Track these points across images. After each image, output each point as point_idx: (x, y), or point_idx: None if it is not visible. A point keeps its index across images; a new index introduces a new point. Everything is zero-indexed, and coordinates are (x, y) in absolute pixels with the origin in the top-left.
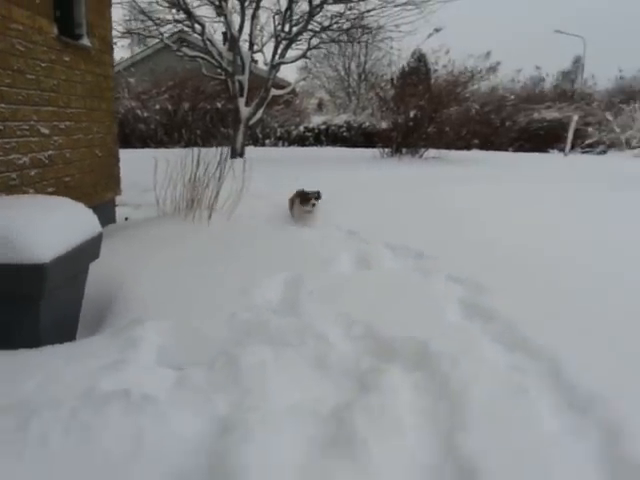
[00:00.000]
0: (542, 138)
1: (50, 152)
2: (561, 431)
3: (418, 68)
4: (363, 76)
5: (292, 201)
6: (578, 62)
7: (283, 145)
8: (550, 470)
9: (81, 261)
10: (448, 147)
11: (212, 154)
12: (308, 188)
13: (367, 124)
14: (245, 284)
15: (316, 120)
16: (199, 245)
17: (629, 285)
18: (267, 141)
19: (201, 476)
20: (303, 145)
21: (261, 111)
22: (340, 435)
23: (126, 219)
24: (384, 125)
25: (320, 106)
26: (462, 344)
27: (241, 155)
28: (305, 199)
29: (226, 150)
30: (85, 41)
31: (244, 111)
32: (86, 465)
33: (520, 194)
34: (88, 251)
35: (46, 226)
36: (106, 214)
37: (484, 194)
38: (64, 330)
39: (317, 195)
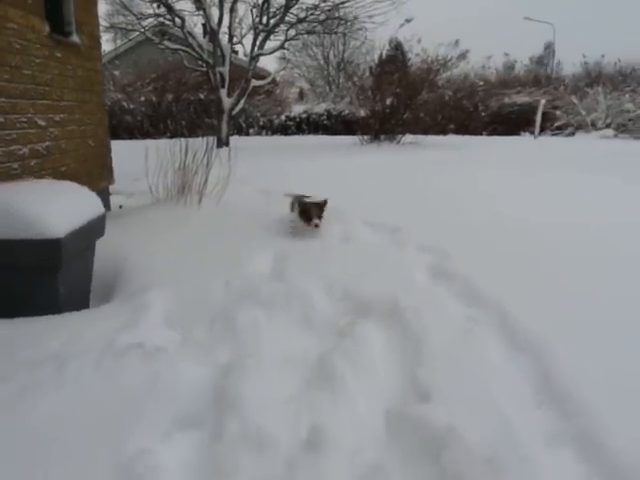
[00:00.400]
0: (514, 121)
1: (47, 143)
2: (504, 364)
3: (395, 56)
4: (342, 65)
5: (292, 206)
6: (549, 48)
7: (266, 134)
8: (492, 393)
9: (90, 237)
10: (425, 132)
11: (199, 144)
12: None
13: (346, 112)
14: (237, 259)
15: (297, 109)
16: (192, 227)
17: (571, 249)
18: (251, 130)
19: (208, 405)
20: (285, 134)
21: (243, 101)
22: (322, 373)
23: (120, 207)
24: (362, 113)
25: (301, 95)
26: (426, 300)
27: (226, 144)
28: (306, 215)
29: (212, 139)
30: (75, 38)
31: (226, 101)
32: (112, 397)
33: (488, 175)
34: (95, 228)
35: (59, 206)
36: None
37: (456, 175)
38: (79, 300)
39: (323, 205)
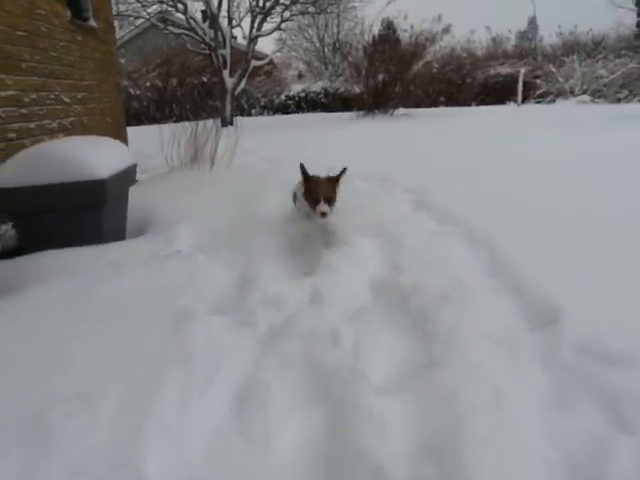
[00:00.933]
0: (500, 92)
1: (72, 119)
2: (465, 254)
3: (388, 35)
4: (337, 45)
5: (295, 196)
6: (533, 23)
7: (268, 114)
8: (453, 268)
9: (125, 183)
10: (417, 105)
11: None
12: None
13: (342, 89)
14: (249, 203)
15: (296, 88)
16: (207, 184)
17: (530, 181)
18: (253, 111)
19: (233, 289)
20: (286, 112)
21: (244, 81)
22: (322, 267)
23: (136, 181)
24: (357, 89)
25: (300, 77)
26: (406, 220)
27: (231, 123)
28: (313, 195)
29: (217, 120)
30: (92, 22)
31: (229, 82)
32: (160, 284)
33: (472, 135)
34: (129, 176)
35: (102, 155)
36: None
37: (443, 136)
38: (118, 235)
39: (336, 180)
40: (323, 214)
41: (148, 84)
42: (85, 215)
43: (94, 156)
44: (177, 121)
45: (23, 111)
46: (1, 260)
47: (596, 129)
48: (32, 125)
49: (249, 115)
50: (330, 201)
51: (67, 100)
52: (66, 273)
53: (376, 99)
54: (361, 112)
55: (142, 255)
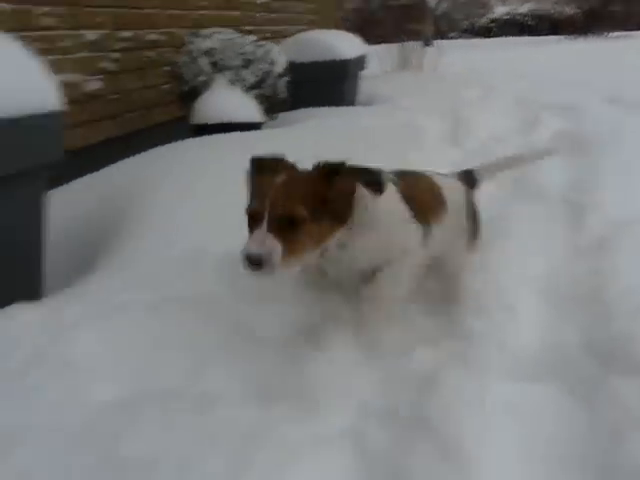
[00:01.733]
0: None
1: (304, 26)
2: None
3: None
4: None
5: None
6: None
7: (467, 37)
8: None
9: (359, 66)
10: None
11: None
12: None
13: (552, 11)
14: (452, 88)
15: (500, 10)
16: (415, 79)
17: None
18: (452, 34)
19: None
20: (488, 36)
21: (446, 2)
22: None
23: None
24: (569, 11)
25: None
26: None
27: (431, 44)
28: (252, 206)
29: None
30: None
31: (431, 1)
32: (396, 122)
33: None
34: (361, 62)
35: (345, 43)
36: None
37: None
38: (352, 103)
39: (317, 180)
40: (252, 260)
41: (351, 7)
42: (333, 86)
43: (340, 43)
44: (380, 43)
45: (272, 16)
46: (285, 112)
47: None
48: (279, 28)
49: (449, 39)
50: (288, 225)
51: (300, 10)
52: (328, 116)
53: (590, 21)
54: (571, 36)
55: (378, 111)
